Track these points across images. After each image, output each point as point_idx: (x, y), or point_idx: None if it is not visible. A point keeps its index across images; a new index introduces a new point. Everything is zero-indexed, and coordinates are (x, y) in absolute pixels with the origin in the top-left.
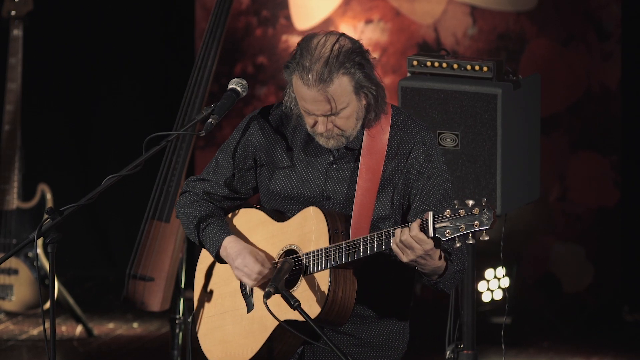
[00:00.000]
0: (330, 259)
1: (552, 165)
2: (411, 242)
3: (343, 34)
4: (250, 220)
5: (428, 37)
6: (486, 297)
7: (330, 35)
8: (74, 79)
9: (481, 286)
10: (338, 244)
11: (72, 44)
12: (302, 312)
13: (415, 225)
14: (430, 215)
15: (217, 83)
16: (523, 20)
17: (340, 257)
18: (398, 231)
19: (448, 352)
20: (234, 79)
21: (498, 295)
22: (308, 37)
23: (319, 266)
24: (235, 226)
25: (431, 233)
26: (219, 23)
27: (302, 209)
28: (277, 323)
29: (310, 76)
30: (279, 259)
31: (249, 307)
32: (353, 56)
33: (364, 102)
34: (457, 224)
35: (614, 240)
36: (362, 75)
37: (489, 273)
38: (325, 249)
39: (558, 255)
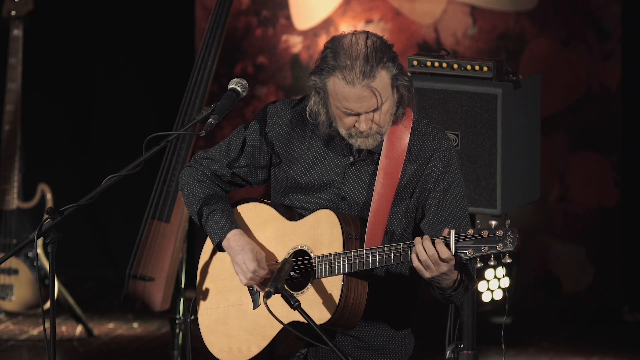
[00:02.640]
0: (344, 266)
1: (552, 165)
2: (435, 259)
3: (366, 31)
4: (259, 215)
5: (428, 37)
6: (486, 297)
7: (357, 33)
8: (74, 79)
9: (481, 286)
10: (353, 250)
11: (72, 44)
12: (303, 312)
13: (442, 246)
14: (452, 233)
15: (217, 83)
16: (523, 20)
17: (355, 264)
18: (420, 247)
19: (448, 352)
20: (234, 79)
21: (498, 295)
22: (336, 39)
23: (332, 271)
24: (243, 220)
25: (453, 251)
26: (219, 23)
27: (316, 207)
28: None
29: (353, 73)
30: (286, 257)
31: (255, 304)
32: (386, 50)
33: (395, 96)
34: (480, 244)
35: (614, 240)
36: (396, 69)
37: (489, 273)
38: (339, 254)
39: (558, 255)
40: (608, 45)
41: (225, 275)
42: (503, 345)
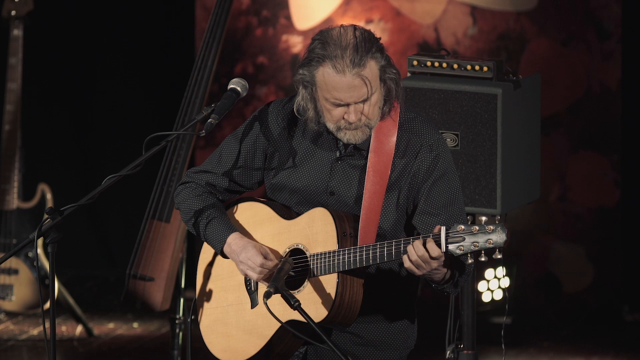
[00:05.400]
0: (338, 263)
1: (552, 165)
2: (425, 259)
3: (354, 24)
4: (255, 215)
5: (428, 37)
6: (486, 297)
7: (345, 26)
8: (74, 79)
9: (481, 286)
10: (347, 249)
11: (72, 44)
12: (303, 312)
13: (432, 244)
14: (442, 230)
15: (217, 83)
16: (523, 20)
17: (350, 262)
18: (410, 248)
19: (448, 352)
20: (234, 79)
21: (498, 295)
22: (324, 31)
23: (327, 269)
24: (240, 220)
25: (443, 248)
26: (219, 23)
27: (306, 202)
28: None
29: (344, 62)
30: (286, 257)
31: (253, 303)
32: (375, 41)
33: (383, 89)
34: (470, 240)
35: (614, 240)
36: (384, 60)
37: (489, 273)
38: (334, 252)
39: (558, 255)
40: (608, 45)
41: (225, 275)
42: (503, 345)
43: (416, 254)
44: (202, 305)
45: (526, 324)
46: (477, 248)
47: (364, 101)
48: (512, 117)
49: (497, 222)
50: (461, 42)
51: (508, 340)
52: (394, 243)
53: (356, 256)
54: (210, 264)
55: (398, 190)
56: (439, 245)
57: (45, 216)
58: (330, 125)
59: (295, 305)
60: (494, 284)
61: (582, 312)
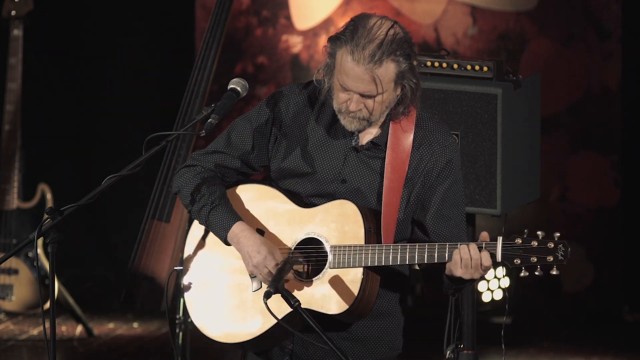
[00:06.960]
0: (368, 258)
1: (552, 165)
2: (476, 264)
3: (396, 22)
4: (262, 196)
5: (428, 37)
6: (486, 297)
7: (385, 19)
8: (74, 79)
9: (481, 286)
10: (378, 245)
11: (72, 44)
12: (303, 312)
13: (486, 254)
14: (499, 240)
15: (217, 83)
16: (523, 20)
17: (380, 259)
18: (465, 247)
19: (448, 352)
20: (234, 79)
21: (498, 295)
22: (364, 16)
23: (353, 262)
24: (246, 200)
25: (499, 258)
26: (219, 23)
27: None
28: (285, 312)
29: (362, 54)
30: (296, 245)
31: (255, 287)
32: (405, 46)
33: (398, 92)
34: (529, 254)
35: (614, 240)
36: (407, 66)
37: (489, 273)
38: (361, 246)
39: None
40: (608, 45)
41: (224, 253)
42: (503, 345)
43: (469, 255)
44: (193, 278)
45: (526, 324)
46: (534, 263)
47: (368, 96)
48: (512, 117)
49: (556, 238)
50: (461, 42)
51: (508, 340)
52: (437, 246)
53: (390, 254)
54: (204, 238)
55: (412, 187)
56: (495, 254)
57: (45, 216)
58: (335, 105)
59: (295, 305)
60: (494, 284)
61: (582, 312)
